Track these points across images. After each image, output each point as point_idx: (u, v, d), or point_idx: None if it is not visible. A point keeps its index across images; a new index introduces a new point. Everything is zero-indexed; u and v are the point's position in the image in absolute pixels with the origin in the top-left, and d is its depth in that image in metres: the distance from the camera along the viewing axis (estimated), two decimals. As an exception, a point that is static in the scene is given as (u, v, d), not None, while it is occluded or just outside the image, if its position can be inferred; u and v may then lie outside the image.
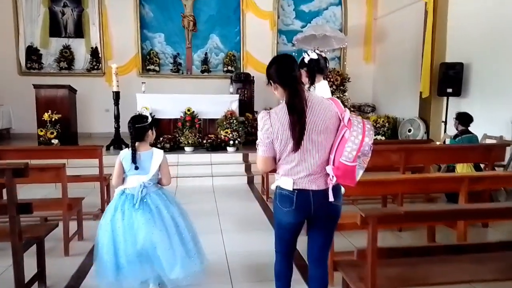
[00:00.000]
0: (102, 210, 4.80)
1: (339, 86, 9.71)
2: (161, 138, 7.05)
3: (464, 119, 5.34)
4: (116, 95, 7.39)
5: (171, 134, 7.36)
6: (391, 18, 9.71)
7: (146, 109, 7.15)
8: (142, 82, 7.78)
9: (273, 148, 2.05)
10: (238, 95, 7.90)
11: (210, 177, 6.54)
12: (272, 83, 2.10)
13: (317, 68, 3.25)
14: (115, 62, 7.82)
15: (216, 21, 10.24)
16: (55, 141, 6.95)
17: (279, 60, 2.11)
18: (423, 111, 8.00)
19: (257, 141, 2.12)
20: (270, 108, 2.22)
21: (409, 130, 7.98)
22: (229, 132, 7.19)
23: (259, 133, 2.08)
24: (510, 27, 6.15)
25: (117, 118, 7.45)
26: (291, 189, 2.05)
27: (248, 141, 7.89)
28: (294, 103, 1.97)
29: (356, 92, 9.96)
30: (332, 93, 9.68)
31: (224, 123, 7.30)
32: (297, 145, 1.97)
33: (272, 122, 2.01)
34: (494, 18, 6.45)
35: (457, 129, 5.40)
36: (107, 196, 5.18)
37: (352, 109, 9.54)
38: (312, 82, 3.18)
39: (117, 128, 7.45)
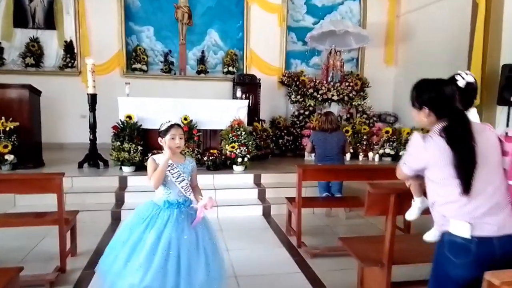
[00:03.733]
0: (62, 270, 3.22)
1: (359, 91, 8.34)
2: (149, 154, 5.45)
3: None
4: (92, 99, 5.79)
5: (162, 149, 5.77)
6: (418, 14, 8.38)
7: (131, 117, 5.60)
8: (126, 83, 6.19)
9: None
10: (247, 101, 6.38)
11: (213, 206, 4.98)
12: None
13: (474, 93, 2.31)
14: (94, 59, 6.19)
15: (215, 14, 8.76)
16: (9, 157, 5.32)
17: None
18: (470, 124, 6.61)
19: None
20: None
21: (453, 146, 6.58)
22: (236, 146, 5.68)
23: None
24: None
25: (93, 127, 5.86)
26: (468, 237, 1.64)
27: (257, 157, 6.39)
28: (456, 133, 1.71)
29: (375, 99, 8.59)
30: (352, 99, 8.37)
31: (230, 135, 5.79)
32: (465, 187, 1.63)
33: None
34: None
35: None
36: (72, 243, 3.59)
37: (374, 118, 8.15)
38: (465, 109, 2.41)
39: (93, 140, 5.87)
